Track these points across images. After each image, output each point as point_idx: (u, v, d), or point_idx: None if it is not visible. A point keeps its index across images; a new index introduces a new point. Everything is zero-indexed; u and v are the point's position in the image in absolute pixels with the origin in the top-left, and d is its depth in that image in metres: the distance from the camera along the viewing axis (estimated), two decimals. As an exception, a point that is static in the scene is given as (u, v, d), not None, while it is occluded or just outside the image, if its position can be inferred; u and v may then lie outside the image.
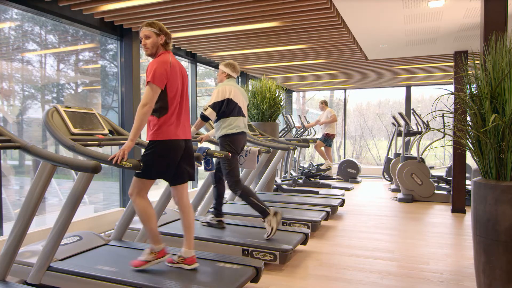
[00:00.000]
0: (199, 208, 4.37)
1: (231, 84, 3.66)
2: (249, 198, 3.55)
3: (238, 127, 3.64)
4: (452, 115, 3.05)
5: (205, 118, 3.56)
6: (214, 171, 3.73)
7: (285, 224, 4.22)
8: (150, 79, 2.48)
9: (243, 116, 3.73)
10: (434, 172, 8.71)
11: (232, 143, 3.63)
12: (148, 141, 2.62)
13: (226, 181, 3.72)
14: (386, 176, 8.51)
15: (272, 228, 3.47)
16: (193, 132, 3.58)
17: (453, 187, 5.68)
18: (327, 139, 7.96)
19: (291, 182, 7.16)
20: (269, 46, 5.66)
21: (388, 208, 5.96)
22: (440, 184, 7.20)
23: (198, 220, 4.06)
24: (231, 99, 3.59)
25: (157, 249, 2.70)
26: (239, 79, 8.12)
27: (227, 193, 5.55)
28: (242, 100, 3.72)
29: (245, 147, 4.03)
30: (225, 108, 3.58)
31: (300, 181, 7.60)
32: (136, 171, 2.59)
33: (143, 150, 2.71)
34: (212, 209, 4.00)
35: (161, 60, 2.55)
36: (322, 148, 7.95)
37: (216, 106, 3.55)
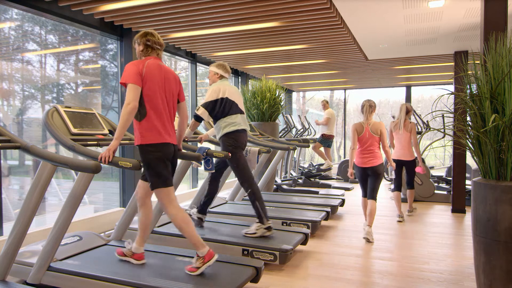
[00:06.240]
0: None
1: (224, 83, 3.66)
2: (254, 202, 3.57)
3: (239, 124, 3.63)
4: (452, 115, 3.05)
5: (198, 118, 3.55)
6: (214, 171, 3.73)
7: (285, 224, 4.22)
8: (124, 80, 2.49)
9: (241, 113, 3.73)
10: (434, 172, 8.71)
11: (235, 139, 3.62)
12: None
13: (237, 178, 3.73)
14: (386, 176, 8.51)
15: (255, 234, 3.51)
16: (189, 134, 3.58)
17: (453, 187, 5.68)
18: (324, 140, 7.92)
19: (291, 182, 7.16)
20: (269, 46, 5.66)
21: (388, 208, 5.95)
22: (440, 184, 7.20)
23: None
24: (227, 97, 3.58)
25: (201, 254, 2.64)
26: (239, 79, 8.12)
27: (227, 193, 5.54)
28: (238, 97, 3.72)
29: (245, 147, 4.03)
30: (221, 108, 3.57)
31: (300, 181, 7.59)
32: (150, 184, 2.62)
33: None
34: (198, 205, 4.00)
35: (133, 62, 2.58)
36: (321, 149, 7.92)
37: (209, 106, 3.54)
